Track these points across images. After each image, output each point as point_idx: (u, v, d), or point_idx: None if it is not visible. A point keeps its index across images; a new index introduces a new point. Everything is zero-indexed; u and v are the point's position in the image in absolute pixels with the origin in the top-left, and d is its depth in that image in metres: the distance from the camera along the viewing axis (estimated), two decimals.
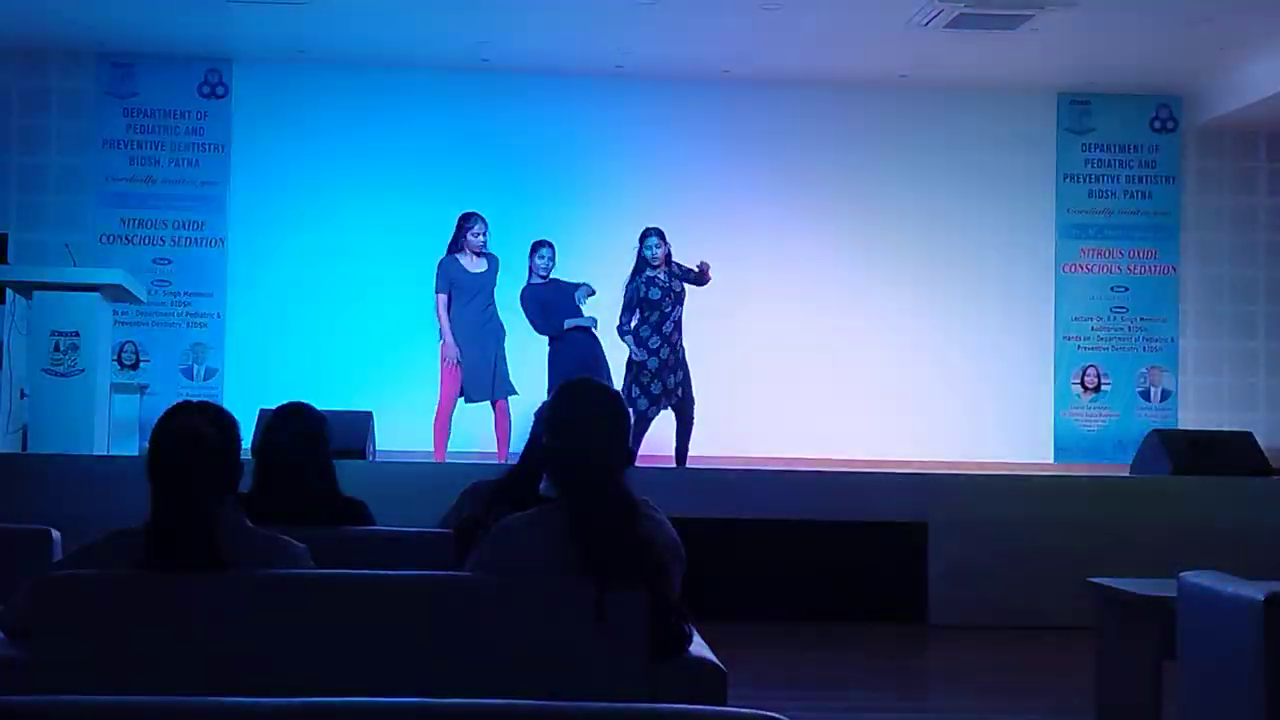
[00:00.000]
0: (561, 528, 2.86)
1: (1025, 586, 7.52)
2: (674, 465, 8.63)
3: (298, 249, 11.05)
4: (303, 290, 10.96)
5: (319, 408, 4.16)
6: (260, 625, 2.74)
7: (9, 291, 8.48)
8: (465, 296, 8.73)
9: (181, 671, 2.66)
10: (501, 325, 8.87)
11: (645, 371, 8.67)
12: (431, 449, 8.85)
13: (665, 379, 8.69)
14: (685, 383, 8.78)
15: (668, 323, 8.71)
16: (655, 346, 8.70)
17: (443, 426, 8.78)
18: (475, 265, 8.79)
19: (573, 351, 8.74)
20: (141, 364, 10.97)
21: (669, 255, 8.77)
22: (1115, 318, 11.67)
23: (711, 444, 9.18)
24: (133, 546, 2.84)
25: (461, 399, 8.84)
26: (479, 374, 8.75)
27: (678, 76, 11.21)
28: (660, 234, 8.77)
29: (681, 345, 8.79)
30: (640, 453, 8.55)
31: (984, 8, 9.52)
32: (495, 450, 8.82)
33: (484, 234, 8.78)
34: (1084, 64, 10.92)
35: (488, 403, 8.83)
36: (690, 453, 8.85)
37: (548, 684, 2.55)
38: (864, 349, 11.33)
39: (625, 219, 9.69)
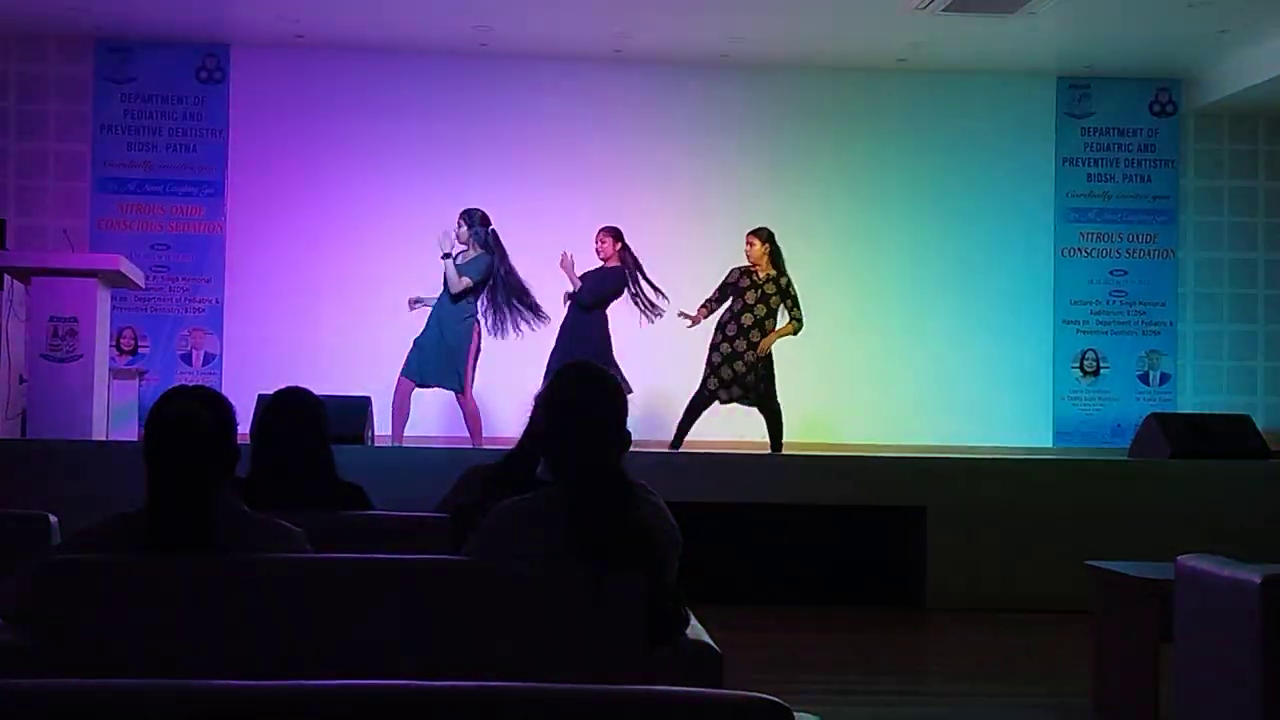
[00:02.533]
0: (558, 511, 2.85)
1: (1023, 570, 7.53)
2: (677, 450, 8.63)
3: (296, 234, 11.04)
4: (301, 276, 10.96)
5: (317, 393, 4.17)
6: (258, 609, 2.74)
7: (7, 277, 8.46)
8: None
9: (179, 655, 2.67)
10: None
11: (716, 352, 8.81)
12: (430, 434, 8.84)
13: (734, 366, 8.75)
14: (757, 384, 8.81)
15: (746, 314, 8.78)
16: (732, 334, 8.81)
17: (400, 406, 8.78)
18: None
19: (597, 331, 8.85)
20: (140, 349, 10.97)
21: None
22: (1114, 301, 11.66)
23: (709, 428, 9.16)
24: (131, 531, 2.83)
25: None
26: (427, 359, 8.79)
27: (676, 61, 11.19)
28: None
29: (755, 345, 8.79)
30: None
31: None
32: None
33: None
34: (1083, 47, 10.91)
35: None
36: (689, 436, 8.88)
37: (544, 667, 2.56)
38: (862, 333, 11.33)
39: (623, 204, 9.68)
